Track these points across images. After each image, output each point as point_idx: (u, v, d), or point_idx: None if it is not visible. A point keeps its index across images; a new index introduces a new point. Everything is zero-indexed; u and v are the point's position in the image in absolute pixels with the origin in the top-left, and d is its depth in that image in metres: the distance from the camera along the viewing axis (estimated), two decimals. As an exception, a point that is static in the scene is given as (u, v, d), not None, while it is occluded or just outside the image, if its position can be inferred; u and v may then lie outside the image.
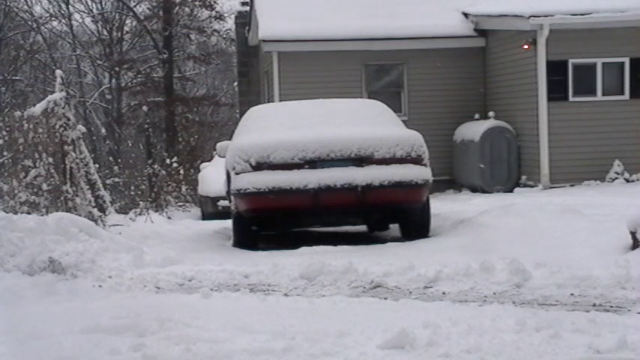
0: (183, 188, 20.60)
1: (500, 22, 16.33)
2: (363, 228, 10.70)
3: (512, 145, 15.95)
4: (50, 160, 10.90)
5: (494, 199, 13.26)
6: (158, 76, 30.89)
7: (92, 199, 11.69)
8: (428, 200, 9.29)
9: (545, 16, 14.65)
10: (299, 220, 9.52)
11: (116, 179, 21.16)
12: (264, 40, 17.32)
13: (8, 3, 31.06)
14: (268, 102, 17.57)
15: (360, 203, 8.87)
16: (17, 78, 32.49)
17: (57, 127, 10.98)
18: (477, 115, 16.66)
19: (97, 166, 14.99)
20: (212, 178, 15.91)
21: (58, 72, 11.97)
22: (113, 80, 31.98)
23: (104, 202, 12.42)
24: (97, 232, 8.13)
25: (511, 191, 15.25)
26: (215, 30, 32.25)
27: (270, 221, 9.47)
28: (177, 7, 30.51)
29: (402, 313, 5.39)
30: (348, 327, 4.81)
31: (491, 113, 16.30)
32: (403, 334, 4.43)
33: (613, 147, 14.99)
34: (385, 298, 5.96)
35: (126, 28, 33.12)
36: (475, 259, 6.68)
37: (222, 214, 14.07)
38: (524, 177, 15.76)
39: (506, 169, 15.96)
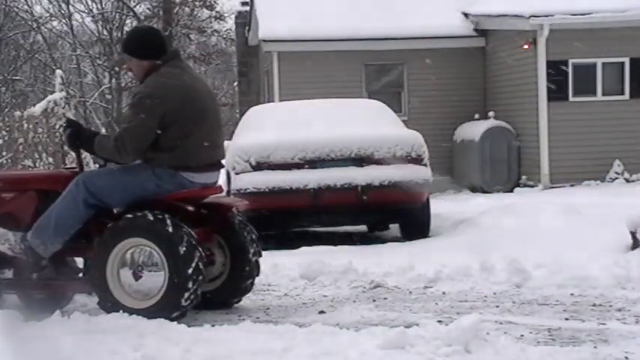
0: (183, 188, 20.57)
1: (500, 22, 16.32)
2: (363, 228, 10.69)
3: (512, 145, 15.94)
4: (50, 160, 10.91)
5: (494, 199, 13.24)
6: (158, 76, 30.84)
7: (92, 199, 11.66)
8: (428, 200, 9.28)
9: (545, 16, 14.63)
10: (299, 220, 9.51)
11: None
12: (264, 40, 17.32)
13: (8, 3, 31.06)
14: (268, 102, 17.56)
15: (360, 203, 8.86)
16: (17, 78, 32.49)
17: (57, 127, 10.99)
18: (477, 115, 16.64)
19: (97, 166, 14.97)
20: (212, 178, 15.87)
21: (58, 72, 12.00)
22: (113, 80, 31.98)
23: (104, 202, 12.40)
24: (97, 232, 8.10)
25: (511, 191, 15.22)
26: (215, 30, 32.28)
27: (270, 221, 9.45)
28: (177, 7, 30.52)
29: (402, 312, 5.39)
30: (348, 326, 4.81)
31: (491, 113, 16.28)
32: (403, 333, 4.42)
33: (613, 147, 14.97)
34: (385, 298, 5.96)
35: (126, 28, 33.10)
36: (475, 259, 6.67)
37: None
38: (524, 177, 15.75)
39: (506, 169, 15.95)
